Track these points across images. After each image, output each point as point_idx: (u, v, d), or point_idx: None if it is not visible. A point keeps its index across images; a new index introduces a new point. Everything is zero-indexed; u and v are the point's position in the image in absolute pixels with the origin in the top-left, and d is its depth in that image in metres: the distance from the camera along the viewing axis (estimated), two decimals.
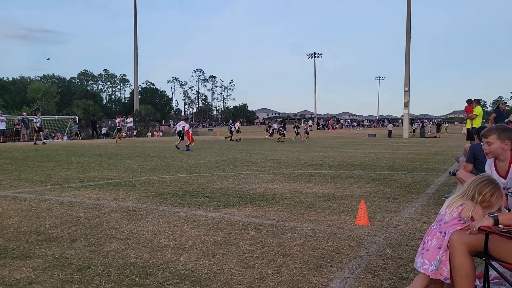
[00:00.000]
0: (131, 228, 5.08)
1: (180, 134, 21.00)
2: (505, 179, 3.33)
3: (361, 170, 11.11)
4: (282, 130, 33.07)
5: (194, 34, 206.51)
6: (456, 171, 10.30)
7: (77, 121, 38.02)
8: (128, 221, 5.40)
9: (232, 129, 33.93)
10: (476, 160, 6.01)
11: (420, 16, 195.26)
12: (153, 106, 60.89)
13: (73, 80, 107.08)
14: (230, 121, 44.02)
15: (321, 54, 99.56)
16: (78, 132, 36.83)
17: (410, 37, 47.56)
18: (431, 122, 74.24)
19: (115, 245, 4.37)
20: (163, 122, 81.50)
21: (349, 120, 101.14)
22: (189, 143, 20.34)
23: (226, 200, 6.85)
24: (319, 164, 12.76)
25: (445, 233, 2.66)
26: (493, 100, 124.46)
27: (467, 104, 17.39)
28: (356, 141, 31.12)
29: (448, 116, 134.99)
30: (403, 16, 44.16)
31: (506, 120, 7.07)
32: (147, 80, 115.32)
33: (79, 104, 41.92)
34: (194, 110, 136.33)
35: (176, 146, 20.34)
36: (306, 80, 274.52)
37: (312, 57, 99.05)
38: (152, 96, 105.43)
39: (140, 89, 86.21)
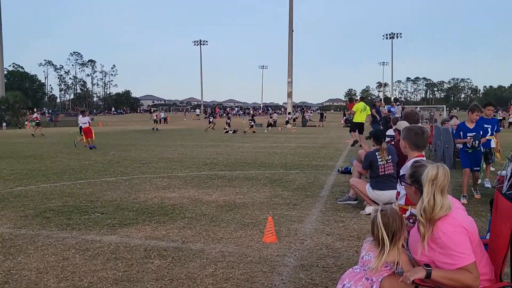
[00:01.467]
0: (9, 266, 4.30)
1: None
2: None
3: (256, 170, 11.16)
4: (251, 121, 33.55)
5: (70, 15, 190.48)
6: (345, 169, 10.95)
7: None
8: (4, 257, 4.57)
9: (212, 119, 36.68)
10: (372, 166, 6.46)
11: (301, 7, 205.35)
12: (23, 92, 54.85)
13: None
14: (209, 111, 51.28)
15: (207, 41, 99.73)
16: None
17: (292, 31, 49.68)
18: (312, 111, 78.60)
19: None
20: (35, 110, 74.03)
21: (235, 109, 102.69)
22: (87, 140, 17.70)
23: (122, 217, 6.26)
24: (213, 163, 12.54)
25: (372, 280, 2.61)
26: (362, 90, 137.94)
27: (348, 102, 19.19)
28: (246, 133, 31.52)
29: (324, 104, 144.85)
30: (286, 8, 45.84)
31: (394, 128, 7.67)
32: (14, 63, 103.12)
33: None
34: (72, 96, 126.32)
35: (74, 144, 18.29)
36: (192, 67, 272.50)
37: (197, 44, 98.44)
38: (21, 81, 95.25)
39: (6, 72, 77.15)
